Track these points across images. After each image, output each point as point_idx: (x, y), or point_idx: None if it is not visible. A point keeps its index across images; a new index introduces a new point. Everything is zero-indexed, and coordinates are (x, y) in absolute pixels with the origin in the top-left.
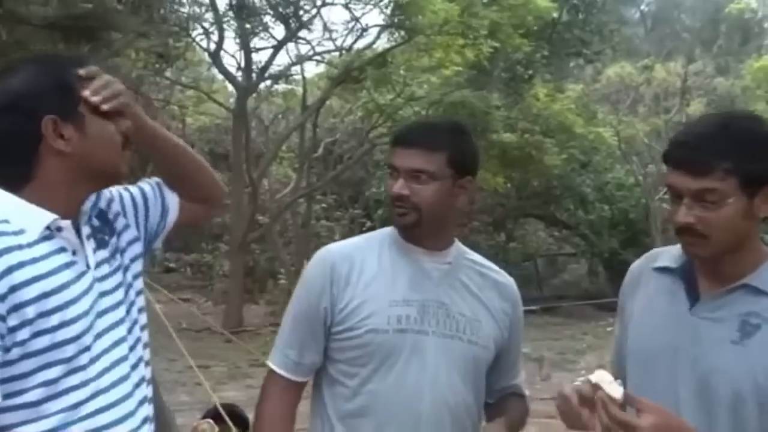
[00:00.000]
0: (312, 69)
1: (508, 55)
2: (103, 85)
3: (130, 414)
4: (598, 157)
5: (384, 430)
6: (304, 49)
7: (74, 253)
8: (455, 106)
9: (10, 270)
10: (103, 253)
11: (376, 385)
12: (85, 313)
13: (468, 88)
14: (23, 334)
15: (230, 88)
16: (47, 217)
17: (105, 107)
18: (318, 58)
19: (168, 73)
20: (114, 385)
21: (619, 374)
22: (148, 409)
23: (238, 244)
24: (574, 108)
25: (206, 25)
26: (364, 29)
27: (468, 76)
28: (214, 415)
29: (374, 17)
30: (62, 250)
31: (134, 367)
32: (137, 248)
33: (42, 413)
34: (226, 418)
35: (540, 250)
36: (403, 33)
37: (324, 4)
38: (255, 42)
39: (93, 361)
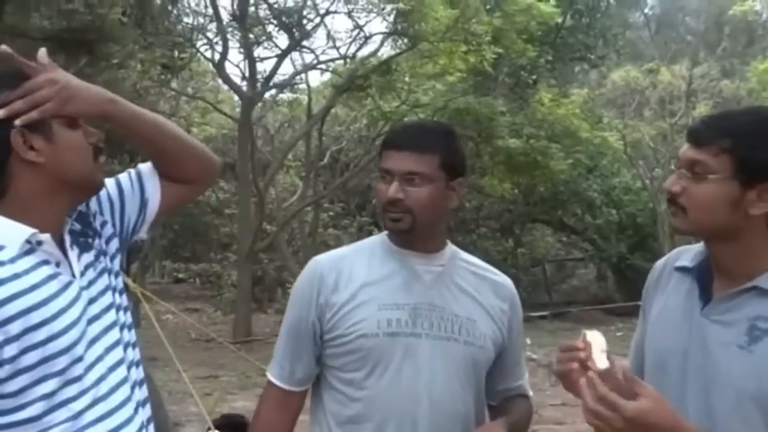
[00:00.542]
0: (316, 77)
1: (512, 60)
2: (22, 98)
3: (130, 419)
4: (604, 162)
5: None
6: (308, 57)
7: (58, 264)
8: (460, 112)
9: None
10: (88, 257)
11: (370, 390)
12: (75, 323)
13: (472, 94)
14: (10, 350)
15: (236, 97)
16: (26, 231)
17: (27, 120)
18: (322, 66)
19: (173, 84)
20: (112, 390)
21: (636, 372)
22: (147, 412)
23: (246, 253)
24: (579, 113)
25: (210, 35)
26: (368, 37)
27: (472, 82)
28: (220, 425)
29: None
30: (45, 263)
31: (128, 370)
32: (114, 245)
33: (45, 426)
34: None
35: (548, 255)
36: (406, 40)
37: (327, 13)
38: (259, 52)
39: (88, 370)
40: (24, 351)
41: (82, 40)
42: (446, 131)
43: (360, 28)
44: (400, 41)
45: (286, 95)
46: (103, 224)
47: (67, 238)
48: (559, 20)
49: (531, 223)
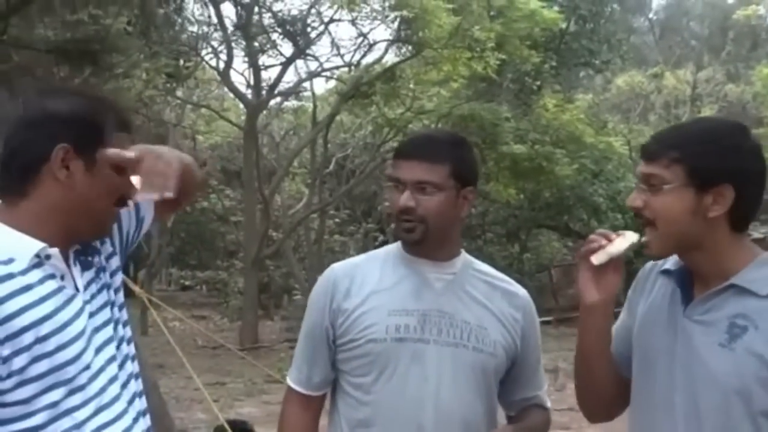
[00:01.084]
0: (321, 85)
1: (516, 66)
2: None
3: (129, 429)
4: (609, 167)
5: None
6: (313, 65)
7: (62, 278)
8: (464, 118)
9: (1, 301)
10: (89, 274)
11: (377, 394)
12: (81, 333)
13: (477, 100)
14: (20, 361)
15: (241, 105)
16: (36, 245)
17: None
18: (327, 74)
19: (179, 93)
20: (114, 400)
21: (616, 359)
22: (146, 422)
23: (252, 260)
24: (584, 118)
25: (215, 44)
26: (372, 45)
27: (477, 88)
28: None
29: (381, 32)
30: (51, 276)
31: (125, 384)
32: (115, 263)
33: None
34: None
35: (554, 260)
36: (410, 47)
37: (331, 21)
38: (263, 60)
39: (92, 379)
40: (34, 360)
41: (87, 51)
42: (457, 141)
43: (364, 35)
44: (404, 48)
45: (291, 103)
46: (103, 243)
47: (71, 255)
48: (563, 26)
49: (537, 229)
